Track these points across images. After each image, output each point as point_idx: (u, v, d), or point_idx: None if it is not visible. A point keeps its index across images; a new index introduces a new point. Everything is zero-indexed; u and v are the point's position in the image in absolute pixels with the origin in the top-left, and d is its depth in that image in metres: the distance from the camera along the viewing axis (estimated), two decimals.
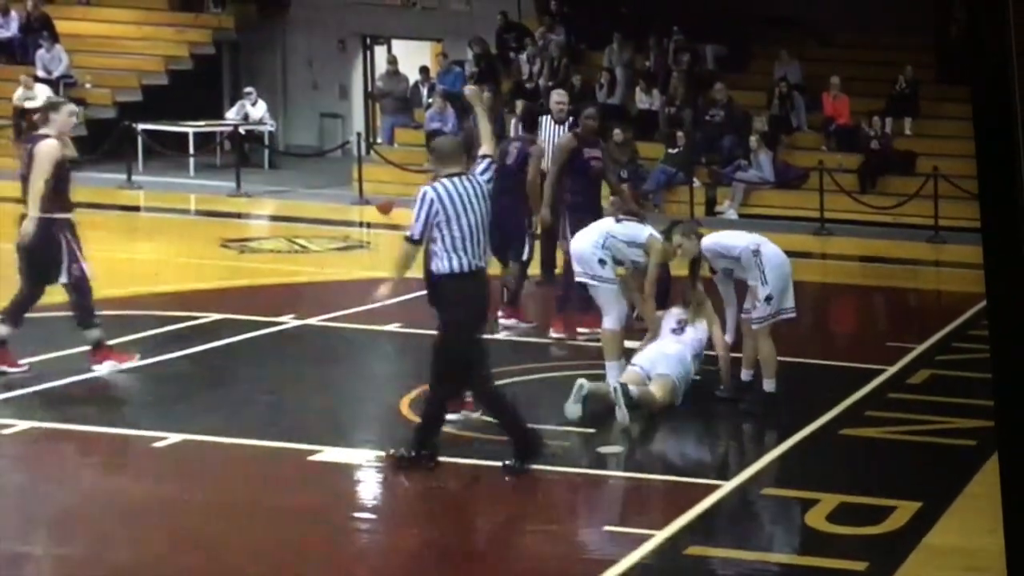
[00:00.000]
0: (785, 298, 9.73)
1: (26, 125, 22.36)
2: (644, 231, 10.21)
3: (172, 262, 15.83)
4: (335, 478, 8.26)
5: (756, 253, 9.65)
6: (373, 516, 7.91)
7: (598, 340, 10.24)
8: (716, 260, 9.89)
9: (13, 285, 10.20)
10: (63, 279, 10.09)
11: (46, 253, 9.99)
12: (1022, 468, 2.64)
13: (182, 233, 18.40)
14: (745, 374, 9.92)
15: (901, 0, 21.97)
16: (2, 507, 7.69)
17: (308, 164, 24.42)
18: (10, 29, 24.89)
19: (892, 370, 11.15)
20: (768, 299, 9.59)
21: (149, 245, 17.41)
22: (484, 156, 8.28)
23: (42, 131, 10.09)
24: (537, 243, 12.50)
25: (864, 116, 21.40)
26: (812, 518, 7.59)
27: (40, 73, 23.89)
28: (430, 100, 23.32)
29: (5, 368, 10.05)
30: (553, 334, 11.82)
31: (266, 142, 24.94)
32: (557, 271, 12.55)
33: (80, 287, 10.15)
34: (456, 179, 8.06)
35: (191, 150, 23.70)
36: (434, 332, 8.47)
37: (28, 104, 22.99)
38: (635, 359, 9.79)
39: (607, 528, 7.58)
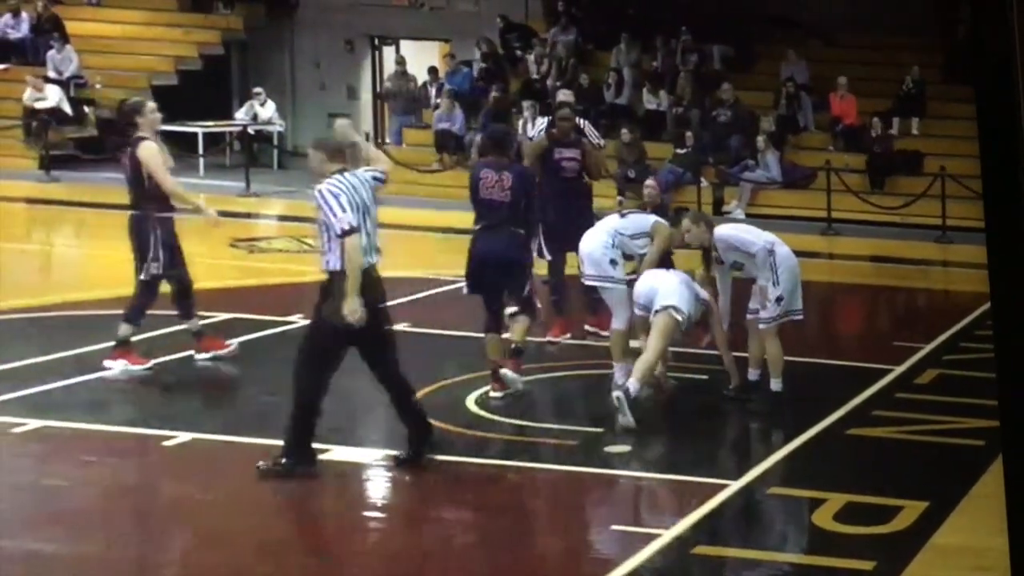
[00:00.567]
0: (794, 299, 9.73)
1: (36, 126, 22.51)
2: (649, 218, 10.18)
3: None
4: (343, 477, 8.30)
5: (771, 253, 9.64)
6: (381, 515, 7.95)
7: (598, 340, 10.21)
8: (728, 252, 9.80)
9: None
10: (142, 275, 10.20)
11: (142, 245, 10.18)
12: None
13: (191, 233, 18.28)
14: (752, 373, 9.91)
15: (908, 0, 21.95)
16: (14, 505, 7.72)
17: None
18: (21, 30, 24.93)
19: (899, 370, 11.15)
20: (779, 300, 9.59)
21: None
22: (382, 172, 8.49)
23: (138, 134, 10.18)
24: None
25: (869, 116, 21.38)
26: (819, 517, 7.61)
27: (51, 74, 23.93)
28: (438, 100, 23.34)
29: (217, 352, 10.56)
30: (550, 337, 11.70)
31: (275, 142, 24.97)
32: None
33: (148, 286, 10.24)
34: (345, 174, 8.14)
35: (200, 150, 23.72)
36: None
37: (39, 104, 23.09)
38: (634, 295, 9.70)
39: (615, 527, 7.59)
